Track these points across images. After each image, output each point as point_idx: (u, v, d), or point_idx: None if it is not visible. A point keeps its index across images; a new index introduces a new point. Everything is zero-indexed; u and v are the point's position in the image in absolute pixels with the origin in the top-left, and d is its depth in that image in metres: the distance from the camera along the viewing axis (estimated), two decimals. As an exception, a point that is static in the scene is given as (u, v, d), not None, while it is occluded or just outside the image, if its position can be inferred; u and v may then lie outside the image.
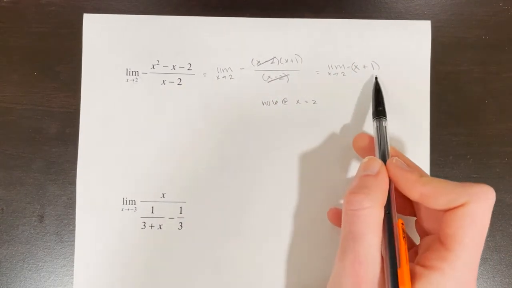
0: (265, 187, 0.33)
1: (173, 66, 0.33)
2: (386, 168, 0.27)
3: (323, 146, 0.33)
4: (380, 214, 0.24)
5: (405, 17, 0.34)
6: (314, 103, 0.33)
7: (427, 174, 0.26)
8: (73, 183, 0.33)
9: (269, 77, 0.33)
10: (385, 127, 0.30)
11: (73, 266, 0.32)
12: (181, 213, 0.32)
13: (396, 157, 0.27)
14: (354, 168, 0.33)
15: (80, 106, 0.33)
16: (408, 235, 0.29)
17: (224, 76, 0.33)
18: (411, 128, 0.33)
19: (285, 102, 0.33)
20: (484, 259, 0.33)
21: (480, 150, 0.34)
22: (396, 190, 0.27)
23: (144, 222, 0.32)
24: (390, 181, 0.27)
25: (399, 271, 0.24)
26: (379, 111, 0.30)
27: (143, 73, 0.33)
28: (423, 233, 0.28)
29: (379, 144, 0.29)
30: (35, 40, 0.33)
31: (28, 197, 0.33)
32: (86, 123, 0.33)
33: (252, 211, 0.32)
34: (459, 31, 0.34)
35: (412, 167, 0.27)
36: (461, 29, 0.34)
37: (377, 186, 0.25)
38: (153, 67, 0.33)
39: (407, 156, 0.33)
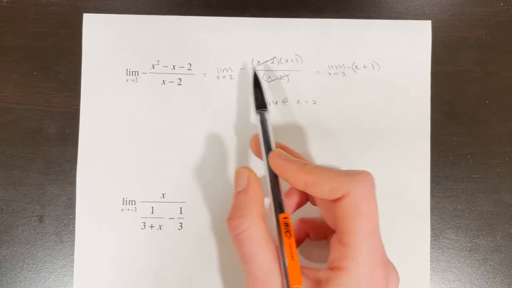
0: (265, 187, 0.32)
1: (173, 66, 0.33)
2: (269, 161, 0.26)
3: (323, 146, 0.33)
4: (262, 228, 0.24)
5: (405, 17, 0.34)
6: (314, 103, 0.33)
7: (312, 163, 0.26)
8: (73, 183, 0.33)
9: (269, 77, 0.33)
10: (267, 119, 0.29)
11: (73, 266, 0.32)
12: (181, 213, 0.32)
13: (279, 149, 0.27)
14: (354, 167, 0.33)
15: (80, 106, 0.33)
16: None
17: (224, 76, 0.33)
18: (411, 128, 0.33)
19: (285, 102, 0.33)
20: (484, 260, 0.33)
21: (481, 150, 0.34)
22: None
23: (144, 222, 0.32)
24: (276, 177, 0.26)
25: (288, 269, 0.23)
26: (260, 104, 0.30)
27: (143, 73, 0.33)
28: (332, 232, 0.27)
29: (263, 137, 0.28)
30: (35, 40, 0.33)
31: (28, 197, 0.33)
32: (86, 123, 0.33)
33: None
34: (460, 31, 0.34)
35: (296, 157, 0.27)
36: (461, 29, 0.34)
37: (250, 201, 0.25)
38: (153, 67, 0.33)
39: (407, 156, 0.33)
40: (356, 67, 0.33)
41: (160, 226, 0.32)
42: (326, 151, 0.33)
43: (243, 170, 0.27)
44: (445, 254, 0.33)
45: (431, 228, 0.33)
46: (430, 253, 0.33)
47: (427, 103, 0.33)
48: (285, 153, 0.27)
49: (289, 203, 0.28)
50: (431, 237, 0.33)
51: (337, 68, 0.33)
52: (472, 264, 0.33)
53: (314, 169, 0.25)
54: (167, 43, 0.33)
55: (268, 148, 0.27)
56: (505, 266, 0.33)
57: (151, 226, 0.32)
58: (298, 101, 0.33)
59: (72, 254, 0.32)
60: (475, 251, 0.33)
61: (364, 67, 0.33)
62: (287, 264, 0.23)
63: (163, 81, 0.33)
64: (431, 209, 0.33)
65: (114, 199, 0.32)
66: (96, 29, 0.33)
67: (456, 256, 0.33)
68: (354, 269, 0.23)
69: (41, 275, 0.32)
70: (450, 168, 0.33)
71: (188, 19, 0.33)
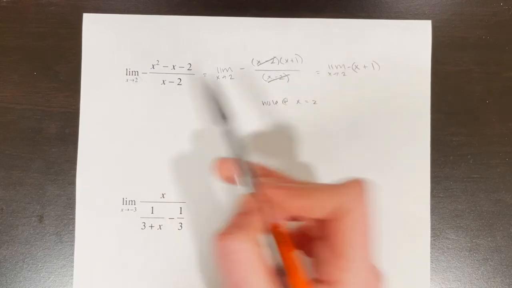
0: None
1: (173, 66, 0.33)
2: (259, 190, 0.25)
3: (323, 146, 0.33)
4: (257, 250, 0.22)
5: (405, 17, 0.34)
6: (314, 103, 0.33)
7: (301, 182, 0.25)
8: (73, 183, 0.33)
9: (269, 77, 0.33)
10: (233, 129, 0.27)
11: (73, 266, 0.32)
12: (181, 213, 0.32)
13: (266, 177, 0.25)
14: (354, 167, 0.33)
15: (80, 106, 0.33)
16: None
17: (224, 76, 0.33)
18: (411, 128, 0.33)
19: (285, 102, 0.33)
20: (484, 260, 0.33)
21: (481, 150, 0.34)
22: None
23: (144, 222, 0.32)
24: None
25: (290, 281, 0.22)
26: (224, 116, 0.27)
27: (143, 73, 0.33)
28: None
29: (233, 149, 0.26)
30: (35, 40, 0.33)
31: (28, 197, 0.33)
32: (86, 123, 0.33)
33: (252, 211, 0.32)
34: (460, 31, 0.34)
35: (281, 180, 0.26)
36: (461, 29, 0.34)
37: (250, 223, 0.23)
38: (153, 67, 0.33)
39: (407, 156, 0.33)
40: (356, 67, 0.33)
41: (160, 226, 0.32)
42: (326, 151, 0.33)
43: (250, 197, 0.25)
44: (445, 254, 0.33)
45: (431, 228, 0.33)
46: (430, 253, 0.33)
47: (427, 103, 0.33)
48: (271, 179, 0.25)
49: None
50: (431, 237, 0.33)
51: (337, 68, 0.33)
52: (472, 264, 0.33)
53: (306, 191, 0.23)
54: (167, 43, 0.33)
55: (241, 162, 0.26)
56: (505, 266, 0.33)
57: (151, 226, 0.32)
58: (298, 101, 0.33)
59: (72, 254, 0.32)
60: (475, 251, 0.33)
61: (364, 67, 0.33)
62: (291, 277, 0.23)
63: (163, 81, 0.33)
64: (431, 209, 0.33)
65: (114, 199, 0.32)
66: (96, 29, 0.33)
67: (456, 256, 0.33)
68: (350, 281, 0.22)
69: (41, 275, 0.32)
70: (450, 168, 0.33)
71: (188, 19, 0.33)
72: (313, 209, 0.23)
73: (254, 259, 0.22)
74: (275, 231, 0.24)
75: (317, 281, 0.23)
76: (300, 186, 0.24)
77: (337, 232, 0.23)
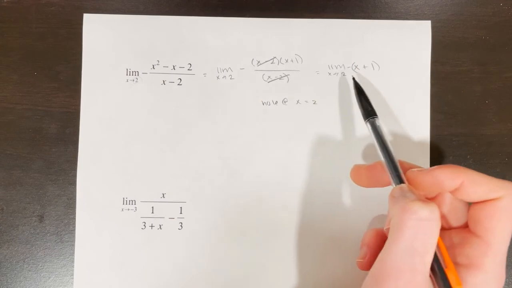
0: (265, 187, 0.33)
1: (173, 66, 0.33)
2: (407, 178, 0.26)
3: (323, 146, 0.33)
4: (439, 227, 0.23)
5: (405, 17, 0.34)
6: (314, 103, 0.33)
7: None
8: (73, 183, 0.33)
9: (269, 77, 0.33)
10: (379, 126, 0.29)
11: (73, 266, 0.32)
12: (181, 213, 0.32)
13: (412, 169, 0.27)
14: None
15: (80, 106, 0.33)
16: None
17: (224, 76, 0.33)
18: (411, 128, 0.33)
19: (285, 102, 0.33)
20: (484, 259, 0.33)
21: (480, 150, 0.34)
22: None
23: (144, 222, 0.32)
24: None
25: (447, 272, 0.23)
26: (370, 112, 0.30)
27: (143, 73, 0.33)
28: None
29: (380, 146, 0.28)
30: (35, 40, 0.33)
31: (28, 197, 0.33)
32: (86, 123, 0.33)
33: (252, 211, 0.32)
34: (459, 31, 0.34)
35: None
36: (461, 29, 0.34)
37: (437, 203, 0.25)
38: (153, 67, 0.33)
39: (406, 156, 0.33)
40: (356, 67, 0.33)
41: (160, 226, 0.32)
42: (326, 151, 0.33)
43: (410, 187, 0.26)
44: (445, 254, 0.33)
45: (431, 228, 0.33)
46: (430, 253, 0.33)
47: (427, 103, 0.33)
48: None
49: None
50: (431, 237, 0.33)
51: (337, 68, 0.33)
52: (471, 264, 0.33)
53: (467, 170, 0.25)
54: (167, 43, 0.33)
55: (389, 156, 0.27)
56: (504, 266, 0.33)
57: (151, 226, 0.32)
58: (298, 101, 0.33)
59: (72, 254, 0.32)
60: (474, 251, 0.33)
61: (364, 67, 0.33)
62: (445, 266, 0.23)
63: (163, 81, 0.33)
64: (431, 209, 0.33)
65: (114, 199, 0.32)
66: (96, 29, 0.33)
67: (456, 256, 0.33)
68: (491, 268, 0.23)
69: (41, 275, 0.32)
70: (450, 168, 0.33)
71: (188, 19, 0.33)
72: (473, 185, 0.24)
73: (437, 233, 0.23)
74: None
75: (454, 262, 0.24)
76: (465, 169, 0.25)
77: (488, 217, 0.24)
